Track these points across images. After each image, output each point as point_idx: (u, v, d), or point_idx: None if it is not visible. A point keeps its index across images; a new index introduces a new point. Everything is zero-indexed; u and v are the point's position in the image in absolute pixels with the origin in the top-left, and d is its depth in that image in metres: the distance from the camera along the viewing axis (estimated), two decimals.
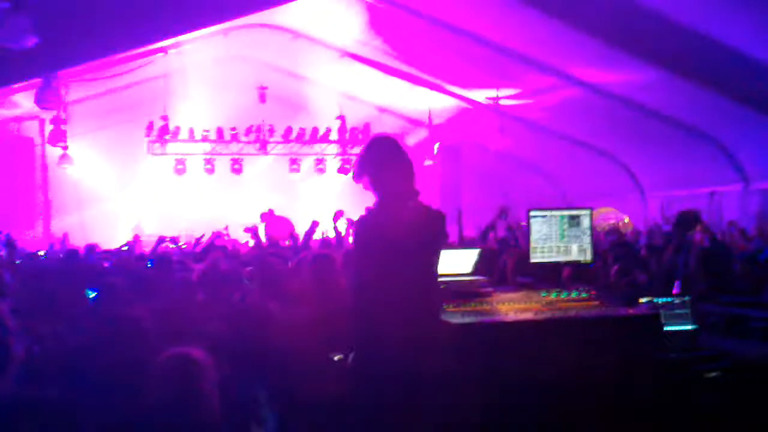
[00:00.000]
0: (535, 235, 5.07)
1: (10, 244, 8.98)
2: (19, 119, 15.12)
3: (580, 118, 14.54)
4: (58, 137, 14.84)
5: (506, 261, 6.31)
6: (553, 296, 4.74)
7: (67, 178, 16.02)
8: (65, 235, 12.96)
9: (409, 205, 3.75)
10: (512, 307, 4.55)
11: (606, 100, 13.07)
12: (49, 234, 15.67)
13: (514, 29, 11.88)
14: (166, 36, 11.81)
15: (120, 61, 13.62)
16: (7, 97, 13.52)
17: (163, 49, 14.02)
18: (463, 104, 16.41)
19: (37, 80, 12.15)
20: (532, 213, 5.07)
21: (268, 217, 13.21)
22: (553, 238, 5.08)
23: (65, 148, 15.19)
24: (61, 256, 9.17)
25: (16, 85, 12.41)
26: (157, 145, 17.32)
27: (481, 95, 15.42)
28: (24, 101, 13.56)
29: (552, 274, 5.15)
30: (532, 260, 5.10)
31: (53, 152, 15.57)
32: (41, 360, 3.53)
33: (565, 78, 12.90)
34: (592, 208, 5.20)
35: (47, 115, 14.11)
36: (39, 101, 12.53)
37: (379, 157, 3.80)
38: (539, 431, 4.04)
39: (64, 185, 16.16)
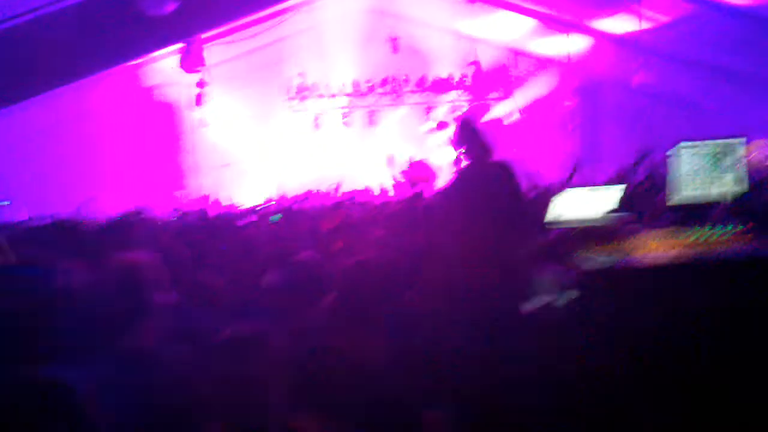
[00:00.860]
0: (684, 168, 4.80)
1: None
2: (162, 85, 15.76)
3: (730, 47, 13.61)
4: (202, 99, 15.41)
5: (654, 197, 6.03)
6: (694, 238, 4.48)
7: (212, 140, 16.63)
8: (206, 197, 13.47)
9: (485, 164, 4.50)
10: (658, 245, 4.34)
11: (758, 27, 12.17)
12: (197, 194, 16.38)
13: None
14: None
15: (255, 22, 13.95)
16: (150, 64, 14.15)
17: (295, 7, 14.17)
18: (601, 41, 15.73)
19: (180, 45, 12.66)
20: (682, 145, 4.80)
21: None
22: (705, 171, 4.79)
23: (209, 110, 15.77)
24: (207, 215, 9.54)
25: (158, 51, 12.96)
26: (295, 101, 17.66)
27: (620, 28, 14.71)
28: (167, 67, 14.12)
29: (704, 209, 4.86)
30: (683, 195, 4.84)
31: (198, 115, 16.20)
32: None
33: (713, 5, 12.10)
34: (746, 137, 4.86)
35: (190, 79, 14.62)
36: (184, 65, 13.03)
37: (459, 136, 4.61)
38: (682, 379, 3.85)
39: (208, 146, 16.79)
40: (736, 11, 12.03)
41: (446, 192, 4.64)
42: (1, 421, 1.71)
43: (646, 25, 13.91)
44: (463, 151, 4.48)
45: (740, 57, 13.77)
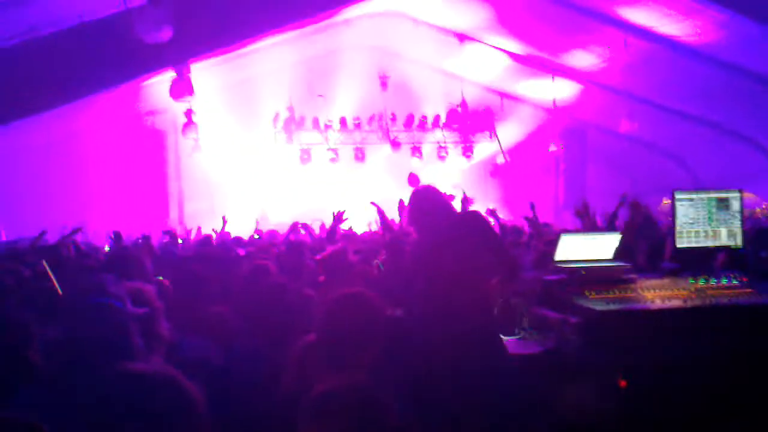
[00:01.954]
0: (680, 219, 4.84)
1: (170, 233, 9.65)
2: (152, 113, 15.76)
3: (713, 99, 13.87)
4: (190, 127, 15.39)
5: (643, 247, 6.10)
6: (701, 283, 4.53)
7: (198, 168, 16.60)
8: (199, 228, 13.44)
9: (444, 227, 4.22)
10: (659, 294, 4.37)
11: (742, 80, 12.42)
12: (182, 221, 16.32)
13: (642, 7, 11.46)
14: (292, 21, 12.03)
15: (245, 53, 14.03)
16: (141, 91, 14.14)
17: (289, 41, 14.27)
18: (587, 87, 15.96)
19: (169, 72, 12.68)
20: (678, 195, 4.84)
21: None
22: (701, 222, 4.84)
23: (196, 138, 15.76)
24: (196, 244, 9.52)
25: (149, 77, 12.96)
26: (283, 134, 17.72)
27: (605, 77, 14.95)
28: (157, 94, 14.12)
29: (699, 260, 4.91)
30: (678, 245, 4.88)
31: (185, 143, 16.20)
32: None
33: (697, 57, 12.34)
34: (741, 190, 4.92)
35: (180, 107, 14.63)
36: (173, 93, 13.02)
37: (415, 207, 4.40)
38: (690, 419, 3.86)
39: (195, 174, 16.76)
40: (723, 64, 12.26)
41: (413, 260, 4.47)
42: None
43: (633, 75, 14.13)
44: (417, 227, 4.38)
45: (725, 109, 14.04)
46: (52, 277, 3.51)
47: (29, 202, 11.71)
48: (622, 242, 5.19)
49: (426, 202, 4.28)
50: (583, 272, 4.52)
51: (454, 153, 18.90)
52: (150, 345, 2.68)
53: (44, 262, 4.06)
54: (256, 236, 11.50)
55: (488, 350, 3.82)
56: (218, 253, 6.39)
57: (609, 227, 9.11)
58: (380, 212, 8.28)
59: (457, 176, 18.89)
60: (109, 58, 9.73)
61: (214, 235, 10.11)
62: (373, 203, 8.72)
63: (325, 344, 2.76)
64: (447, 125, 18.34)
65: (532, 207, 8.56)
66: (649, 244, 5.76)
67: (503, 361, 3.85)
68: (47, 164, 12.39)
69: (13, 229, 11.07)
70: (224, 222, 10.57)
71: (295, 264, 5.28)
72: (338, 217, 8.43)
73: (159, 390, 1.88)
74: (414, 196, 4.41)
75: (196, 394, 1.94)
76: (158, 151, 16.49)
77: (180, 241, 10.38)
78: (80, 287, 2.53)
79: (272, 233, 12.08)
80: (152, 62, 10.78)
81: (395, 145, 18.03)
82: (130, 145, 14.76)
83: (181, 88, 13.13)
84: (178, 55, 10.84)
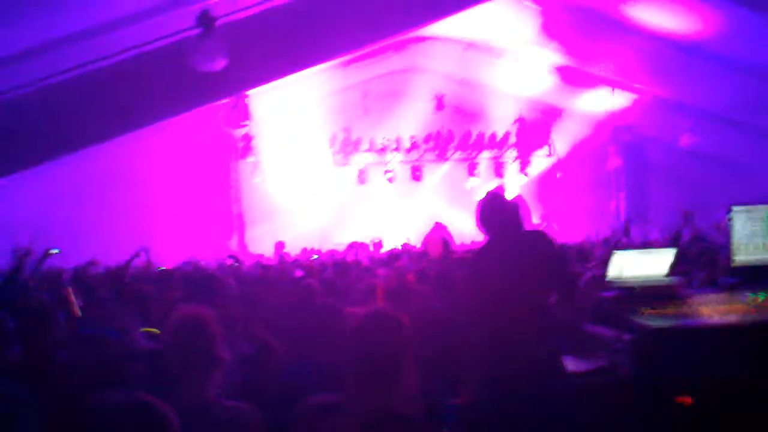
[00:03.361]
0: (738, 234, 4.76)
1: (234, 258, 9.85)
2: (212, 137, 16.07)
3: None
4: (249, 152, 15.69)
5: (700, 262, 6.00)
6: (761, 298, 4.44)
7: (259, 191, 16.88)
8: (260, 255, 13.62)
9: (513, 239, 4.12)
10: (716, 309, 4.30)
11: None
12: (244, 245, 16.59)
13: (696, 21, 11.31)
14: (345, 52, 12.19)
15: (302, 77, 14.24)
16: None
17: (344, 65, 14.45)
18: (647, 102, 15.75)
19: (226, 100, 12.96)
20: (735, 209, 4.77)
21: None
22: (759, 236, 4.75)
23: (257, 162, 16.06)
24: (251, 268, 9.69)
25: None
26: (340, 155, 17.94)
27: (664, 92, 14.75)
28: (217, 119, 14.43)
29: (758, 275, 4.81)
30: (736, 260, 4.80)
31: (245, 167, 16.51)
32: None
33: (753, 68, 12.10)
34: None
35: (239, 132, 14.93)
36: (229, 122, 13.32)
37: (484, 213, 4.22)
38: None
39: (255, 198, 17.03)
40: None
41: (470, 274, 4.30)
42: None
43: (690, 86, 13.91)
44: (486, 230, 4.20)
45: None
46: (74, 302, 3.63)
47: (95, 229, 12.04)
48: (677, 257, 5.12)
49: (493, 213, 4.18)
50: (638, 289, 4.47)
51: (511, 169, 18.87)
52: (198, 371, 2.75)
53: (69, 288, 4.19)
54: (315, 257, 11.64)
55: (550, 370, 3.79)
56: (275, 277, 6.50)
57: (672, 244, 9.01)
58: (447, 234, 8.37)
59: (515, 192, 18.84)
60: (164, 89, 9.98)
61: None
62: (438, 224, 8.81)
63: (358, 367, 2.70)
64: (503, 142, 18.30)
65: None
66: (706, 259, 5.66)
67: (564, 383, 3.81)
68: (111, 192, 12.74)
69: (80, 254, 11.40)
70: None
71: (341, 285, 5.34)
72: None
73: (129, 421, 1.96)
74: (482, 206, 4.27)
75: (172, 420, 2.01)
76: (219, 176, 16.80)
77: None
78: (87, 317, 2.63)
79: (332, 253, 12.21)
80: (207, 92, 11.00)
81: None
82: (191, 170, 15.07)
83: (237, 117, 13.44)
84: (234, 84, 11.05)
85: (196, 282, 4.92)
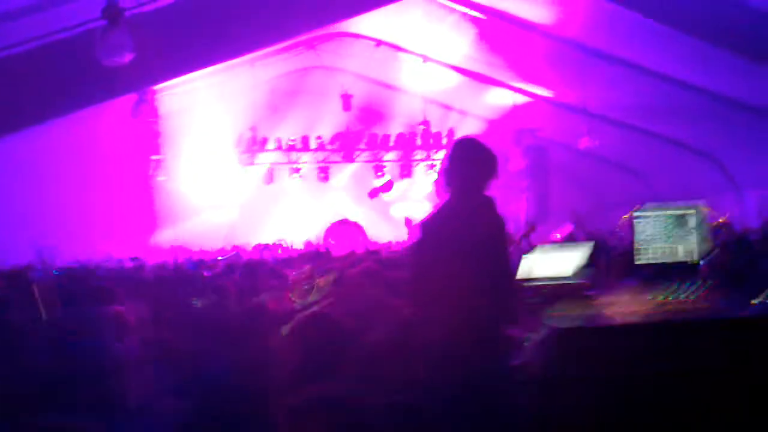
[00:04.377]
0: (640, 236, 4.92)
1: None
2: (116, 132, 15.53)
3: (670, 115, 14.15)
4: (154, 149, 15.30)
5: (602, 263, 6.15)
6: (661, 298, 4.59)
7: (164, 190, 16.44)
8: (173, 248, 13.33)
9: (472, 204, 3.74)
10: (620, 309, 4.42)
11: (697, 96, 12.70)
12: (155, 244, 16.12)
13: (600, 27, 11.68)
14: (258, 46, 12.04)
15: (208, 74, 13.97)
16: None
17: (251, 62, 14.25)
18: (549, 105, 16.18)
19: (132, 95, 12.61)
20: (636, 213, 4.92)
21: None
22: (660, 238, 4.92)
23: (160, 160, 15.65)
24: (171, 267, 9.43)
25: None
26: (246, 155, 17.68)
27: (566, 96, 15.19)
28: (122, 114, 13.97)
29: (660, 275, 4.98)
30: (637, 262, 4.95)
31: (150, 164, 16.03)
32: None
33: (654, 75, 12.60)
34: (699, 206, 5.02)
35: (145, 127, 14.53)
36: (134, 115, 12.97)
37: (450, 159, 3.85)
38: None
39: (161, 197, 16.57)
40: (681, 83, 12.53)
41: (419, 240, 3.88)
42: None
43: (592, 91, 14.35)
44: (447, 182, 3.75)
45: (684, 126, 14.31)
46: (39, 302, 3.46)
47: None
48: (584, 259, 5.26)
49: (462, 165, 3.75)
50: (544, 290, 4.57)
51: (418, 171, 19.04)
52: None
53: (35, 286, 3.98)
54: (220, 258, 11.45)
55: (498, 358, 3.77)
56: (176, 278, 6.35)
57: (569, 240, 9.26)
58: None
59: (422, 194, 19.07)
60: (68, 82, 9.63)
61: None
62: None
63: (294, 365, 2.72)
64: (409, 142, 18.44)
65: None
66: (608, 261, 5.83)
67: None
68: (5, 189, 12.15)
69: None
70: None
71: (252, 285, 5.27)
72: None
73: None
74: (460, 149, 3.88)
75: None
76: (124, 173, 16.25)
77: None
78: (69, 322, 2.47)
79: (237, 253, 12.04)
80: (113, 86, 10.68)
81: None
82: (94, 167, 14.51)
83: (144, 110, 13.10)
84: (141, 78, 10.77)
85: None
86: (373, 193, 18.71)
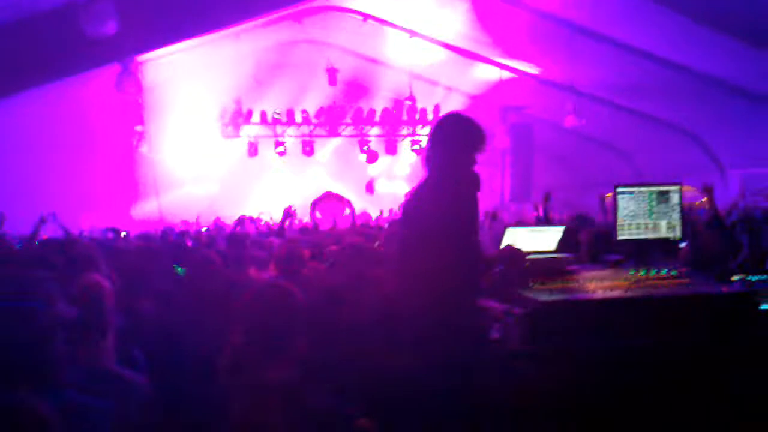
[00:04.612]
0: (622, 212, 4.95)
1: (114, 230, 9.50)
2: (100, 104, 15.37)
3: (655, 93, 14.19)
4: (137, 120, 15.18)
5: (584, 239, 6.18)
6: (641, 274, 4.64)
7: (147, 161, 16.31)
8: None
9: (456, 180, 3.77)
10: (600, 284, 4.46)
11: (681, 75, 12.75)
12: (142, 214, 16.03)
13: (588, 4, 11.67)
14: (243, 18, 11.92)
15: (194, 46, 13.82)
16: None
17: (236, 34, 14.13)
18: (535, 83, 16.17)
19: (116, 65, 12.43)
20: (619, 189, 4.95)
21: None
22: (641, 215, 4.96)
23: (143, 131, 15.52)
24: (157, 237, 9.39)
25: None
26: (230, 127, 17.56)
27: (552, 74, 15.19)
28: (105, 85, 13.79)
29: (640, 252, 5.02)
30: (619, 238, 4.99)
31: (134, 136, 15.90)
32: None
33: (639, 53, 12.61)
34: (681, 184, 5.05)
35: (128, 99, 14.36)
36: (119, 87, 12.80)
37: (435, 135, 3.86)
38: (624, 412, 3.95)
39: (144, 168, 16.46)
40: (667, 63, 12.56)
41: (403, 214, 3.92)
42: None
43: (580, 70, 14.35)
44: (432, 157, 3.77)
45: (665, 105, 14.36)
46: None
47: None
48: (565, 235, 5.30)
49: (447, 140, 3.74)
50: (527, 264, 4.58)
51: (403, 147, 19.02)
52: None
53: None
54: (204, 229, 11.41)
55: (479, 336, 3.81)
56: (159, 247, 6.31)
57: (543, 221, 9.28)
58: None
59: (406, 170, 19.08)
60: (51, 52, 9.52)
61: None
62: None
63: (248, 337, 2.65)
64: (395, 118, 18.38)
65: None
66: (591, 237, 5.87)
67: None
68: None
69: None
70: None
71: (237, 257, 5.25)
72: (287, 212, 8.43)
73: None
74: (446, 124, 3.85)
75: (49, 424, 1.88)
76: (107, 144, 16.11)
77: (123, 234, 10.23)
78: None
79: (218, 225, 11.99)
80: (97, 57, 10.58)
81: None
82: (78, 138, 14.37)
83: (128, 82, 12.93)
84: (125, 49, 10.66)
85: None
86: (369, 187, 18.78)
